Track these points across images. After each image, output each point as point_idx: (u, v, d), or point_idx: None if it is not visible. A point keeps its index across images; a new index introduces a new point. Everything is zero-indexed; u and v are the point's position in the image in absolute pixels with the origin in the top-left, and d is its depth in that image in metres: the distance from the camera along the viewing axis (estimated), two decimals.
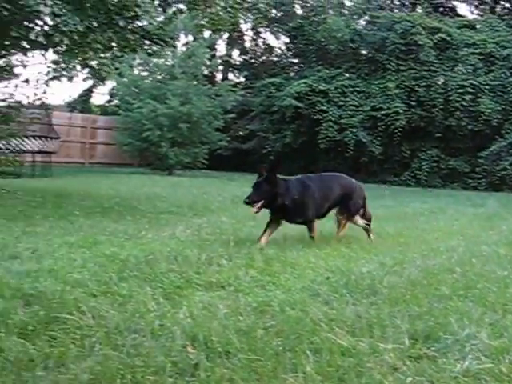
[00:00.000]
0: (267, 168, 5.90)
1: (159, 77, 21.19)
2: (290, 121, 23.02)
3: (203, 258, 4.50)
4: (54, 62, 11.07)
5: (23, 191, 9.80)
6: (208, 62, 22.63)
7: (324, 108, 22.50)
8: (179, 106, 19.33)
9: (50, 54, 10.42)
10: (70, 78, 12.25)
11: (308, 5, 26.96)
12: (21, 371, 2.40)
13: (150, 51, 10.55)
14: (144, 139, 19.53)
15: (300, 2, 27.39)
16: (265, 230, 5.69)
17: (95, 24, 8.07)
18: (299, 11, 27.29)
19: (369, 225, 6.34)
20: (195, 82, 20.93)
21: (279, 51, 28.75)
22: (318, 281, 4.03)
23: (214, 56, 24.75)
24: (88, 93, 28.41)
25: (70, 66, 11.45)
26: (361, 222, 6.28)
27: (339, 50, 23.95)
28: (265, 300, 3.47)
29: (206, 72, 22.56)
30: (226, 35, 27.11)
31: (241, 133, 25.92)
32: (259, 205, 5.61)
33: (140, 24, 9.30)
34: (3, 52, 9.82)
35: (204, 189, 13.11)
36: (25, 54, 10.40)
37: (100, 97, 35.60)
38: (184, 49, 21.81)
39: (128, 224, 6.58)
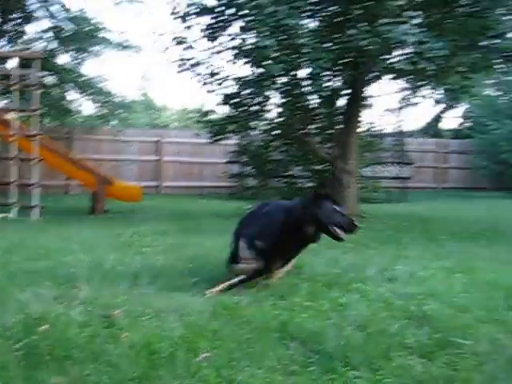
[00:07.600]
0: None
1: None
2: None
3: None
4: (406, 89, 11.49)
5: (386, 216, 10.21)
6: None
7: None
8: None
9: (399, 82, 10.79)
10: (416, 104, 12.67)
11: None
12: None
13: (505, 69, 10.09)
14: (501, 162, 18.56)
15: None
16: None
17: (458, 47, 8.04)
18: None
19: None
20: None
21: None
22: None
23: None
24: (438, 118, 28.26)
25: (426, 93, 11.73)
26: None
27: None
28: None
29: None
30: None
31: None
32: None
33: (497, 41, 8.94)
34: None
35: None
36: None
37: (449, 121, 35.26)
38: None
39: (499, 250, 6.26)
